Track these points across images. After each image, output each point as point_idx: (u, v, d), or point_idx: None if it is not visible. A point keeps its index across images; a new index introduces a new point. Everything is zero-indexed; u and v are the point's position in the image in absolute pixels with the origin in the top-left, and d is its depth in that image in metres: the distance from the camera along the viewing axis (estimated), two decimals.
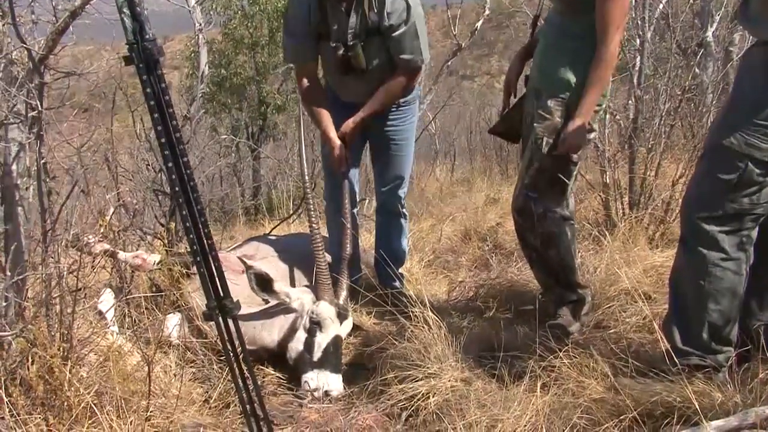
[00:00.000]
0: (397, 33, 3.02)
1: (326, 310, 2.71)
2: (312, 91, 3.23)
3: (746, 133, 2.04)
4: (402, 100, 3.30)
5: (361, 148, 3.60)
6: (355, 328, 2.93)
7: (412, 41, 3.04)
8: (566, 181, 2.77)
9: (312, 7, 3.06)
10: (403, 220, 3.56)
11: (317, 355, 2.60)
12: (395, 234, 3.55)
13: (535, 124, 2.71)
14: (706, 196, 2.15)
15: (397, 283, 3.53)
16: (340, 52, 3.11)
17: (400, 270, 3.61)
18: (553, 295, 2.94)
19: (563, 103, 2.67)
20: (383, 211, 3.55)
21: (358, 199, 3.64)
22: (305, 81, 3.23)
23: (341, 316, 2.74)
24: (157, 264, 2.90)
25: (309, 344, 2.64)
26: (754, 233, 2.15)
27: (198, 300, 2.67)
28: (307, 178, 3.27)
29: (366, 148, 3.66)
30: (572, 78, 2.64)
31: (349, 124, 3.19)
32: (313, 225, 2.90)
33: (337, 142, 3.15)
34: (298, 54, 3.22)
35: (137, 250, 3.21)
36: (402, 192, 3.49)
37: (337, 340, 2.66)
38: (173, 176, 1.68)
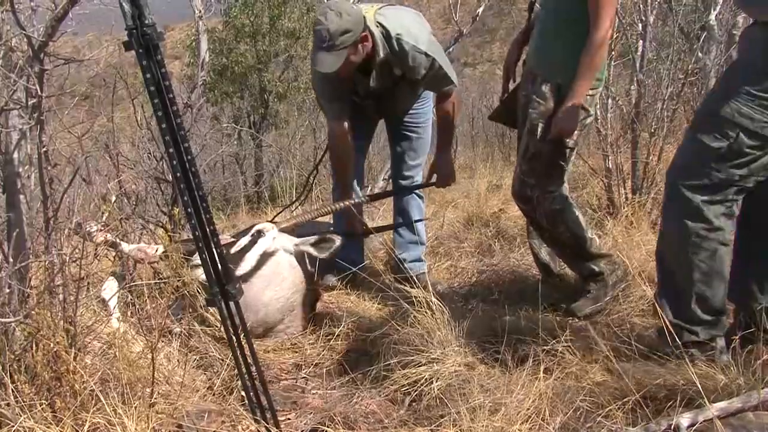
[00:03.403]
0: (425, 80, 3.18)
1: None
2: (343, 156, 3.32)
3: (741, 102, 2.03)
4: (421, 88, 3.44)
5: (371, 132, 3.66)
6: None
7: (442, 78, 3.20)
8: (563, 166, 2.77)
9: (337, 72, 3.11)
10: (420, 201, 3.67)
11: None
12: (415, 214, 3.64)
13: (530, 110, 2.72)
14: (692, 164, 2.14)
15: (422, 265, 3.64)
16: (371, 103, 3.33)
17: (422, 254, 3.70)
18: (577, 272, 2.97)
19: (557, 88, 2.66)
20: (403, 191, 3.62)
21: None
22: (338, 142, 3.29)
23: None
24: (160, 255, 2.90)
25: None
26: (739, 205, 2.14)
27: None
28: None
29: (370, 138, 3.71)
30: (566, 62, 2.63)
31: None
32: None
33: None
34: (334, 110, 3.27)
35: (140, 238, 3.21)
36: (417, 172, 3.60)
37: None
38: (174, 162, 1.68)
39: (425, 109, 3.53)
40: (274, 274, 2.79)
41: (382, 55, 3.07)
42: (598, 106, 2.90)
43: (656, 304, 2.28)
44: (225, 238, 2.98)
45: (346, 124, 3.24)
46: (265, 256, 2.77)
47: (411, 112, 3.50)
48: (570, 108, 2.59)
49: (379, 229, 3.69)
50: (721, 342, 2.22)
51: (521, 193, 2.81)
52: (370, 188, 6.00)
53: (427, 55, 3.09)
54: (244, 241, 2.79)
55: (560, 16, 2.68)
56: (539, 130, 2.69)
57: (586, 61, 2.56)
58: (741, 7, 2.44)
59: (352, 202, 3.25)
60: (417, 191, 3.63)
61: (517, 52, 3.00)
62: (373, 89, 3.22)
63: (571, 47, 2.60)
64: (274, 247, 2.82)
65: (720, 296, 2.20)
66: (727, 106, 2.05)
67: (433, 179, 3.52)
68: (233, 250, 2.71)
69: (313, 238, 2.90)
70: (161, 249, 2.87)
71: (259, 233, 2.81)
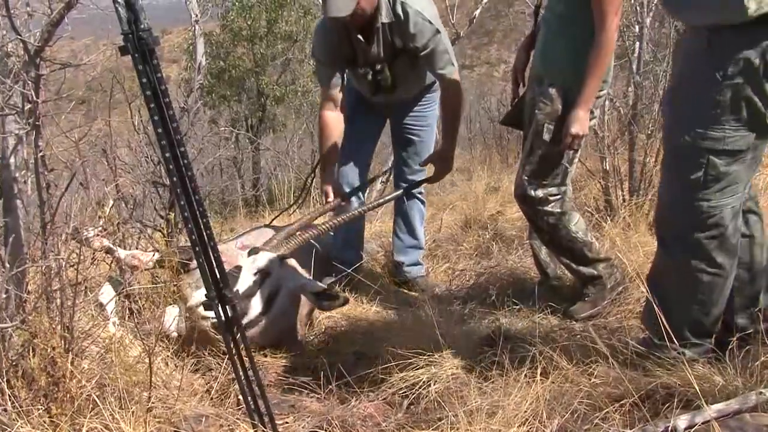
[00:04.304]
0: (425, 52, 3.11)
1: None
2: (329, 127, 3.26)
3: (698, 128, 1.98)
4: (425, 89, 3.43)
5: (377, 134, 3.67)
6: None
7: (442, 56, 3.13)
8: (566, 168, 2.78)
9: (337, 32, 3.13)
10: (422, 205, 3.67)
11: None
12: (416, 218, 3.64)
13: (536, 111, 2.72)
14: (680, 202, 2.08)
15: (420, 268, 3.64)
16: (369, 77, 3.24)
17: (420, 257, 3.70)
18: (576, 275, 2.96)
19: (564, 90, 2.67)
20: (404, 195, 3.60)
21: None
22: (327, 112, 3.26)
23: (251, 253, 2.70)
24: (156, 262, 2.89)
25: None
26: (736, 227, 2.08)
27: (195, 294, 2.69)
28: None
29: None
30: (573, 65, 2.64)
31: None
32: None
33: (329, 191, 3.22)
34: (328, 77, 3.26)
35: (137, 242, 3.21)
36: (421, 177, 3.58)
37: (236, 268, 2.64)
38: (171, 166, 1.68)
39: (428, 113, 3.52)
40: (281, 313, 2.73)
41: (384, 17, 3.07)
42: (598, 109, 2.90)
43: (643, 325, 2.27)
44: (227, 247, 2.97)
45: (337, 93, 3.24)
46: (271, 297, 2.68)
47: (413, 114, 3.51)
48: (581, 114, 2.60)
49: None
50: (704, 357, 2.20)
51: (524, 194, 2.81)
52: (368, 191, 6.01)
53: (430, 23, 3.08)
54: (248, 280, 2.62)
55: (567, 18, 2.68)
56: (545, 131, 2.70)
57: (593, 62, 2.56)
58: (670, 13, 2.38)
59: (350, 214, 3.16)
60: (419, 196, 3.63)
61: (525, 56, 3.01)
62: (373, 58, 3.19)
63: (577, 50, 2.61)
64: (278, 285, 2.72)
65: (714, 320, 2.17)
66: (687, 136, 2.00)
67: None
68: (239, 289, 2.57)
69: (319, 288, 2.76)
70: (156, 256, 2.87)
71: (264, 274, 2.66)
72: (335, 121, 3.26)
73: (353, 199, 3.48)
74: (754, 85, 1.90)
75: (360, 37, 3.13)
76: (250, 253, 2.70)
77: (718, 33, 1.93)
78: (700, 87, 1.98)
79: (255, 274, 2.64)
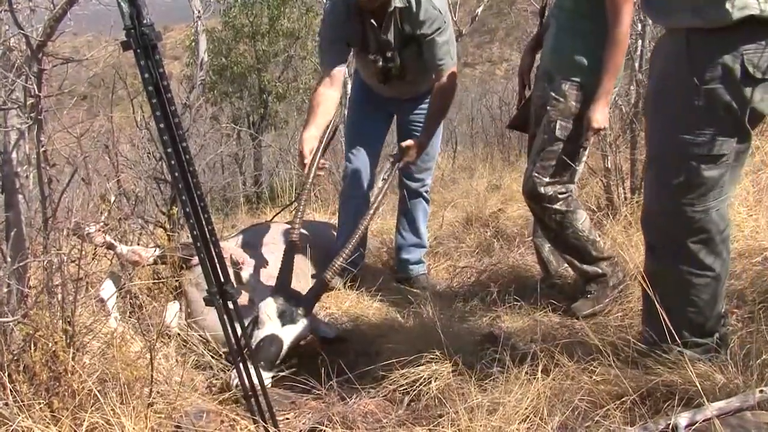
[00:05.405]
0: (428, 39, 3.14)
1: (266, 307, 2.57)
2: (320, 104, 3.19)
3: (681, 135, 1.97)
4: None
5: (384, 134, 3.67)
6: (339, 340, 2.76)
7: (442, 46, 3.16)
8: (575, 166, 2.78)
9: (349, 16, 3.15)
10: (426, 204, 3.69)
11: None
12: (420, 216, 3.66)
13: (548, 108, 2.72)
14: (668, 207, 2.07)
15: (422, 266, 3.66)
16: (380, 64, 3.25)
17: (422, 255, 3.71)
18: (579, 273, 2.96)
19: (578, 86, 2.67)
20: (409, 194, 3.63)
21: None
22: (323, 88, 3.20)
23: (285, 317, 2.56)
24: (157, 257, 2.88)
25: (250, 337, 2.50)
26: (725, 228, 2.06)
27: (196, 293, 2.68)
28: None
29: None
30: (586, 60, 2.64)
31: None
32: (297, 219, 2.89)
33: (306, 158, 3.11)
34: (323, 57, 3.27)
35: (139, 238, 3.21)
36: (428, 176, 3.61)
37: (271, 339, 2.50)
38: (173, 162, 1.68)
39: None
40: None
41: (398, 1, 3.09)
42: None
43: (644, 323, 2.26)
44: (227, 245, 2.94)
45: (337, 73, 3.21)
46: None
47: (417, 111, 3.53)
48: (600, 108, 2.62)
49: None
50: (706, 356, 2.18)
51: (532, 191, 2.81)
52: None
53: (440, 12, 3.11)
54: (288, 345, 2.55)
55: (577, 13, 2.68)
56: (557, 128, 2.71)
57: (609, 57, 2.57)
58: (650, 16, 2.36)
59: (366, 220, 3.00)
60: (425, 194, 3.64)
61: (530, 58, 3.01)
62: (384, 44, 3.20)
63: (590, 44, 2.62)
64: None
65: (714, 321, 2.14)
66: (671, 144, 1.99)
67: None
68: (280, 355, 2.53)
69: (329, 336, 2.72)
70: (157, 251, 2.87)
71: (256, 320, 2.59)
72: (330, 101, 3.20)
73: (362, 198, 3.50)
74: (731, 91, 1.89)
75: (373, 21, 3.15)
76: (285, 314, 2.59)
77: (696, 37, 1.91)
78: (679, 93, 1.96)
79: (295, 340, 2.59)
